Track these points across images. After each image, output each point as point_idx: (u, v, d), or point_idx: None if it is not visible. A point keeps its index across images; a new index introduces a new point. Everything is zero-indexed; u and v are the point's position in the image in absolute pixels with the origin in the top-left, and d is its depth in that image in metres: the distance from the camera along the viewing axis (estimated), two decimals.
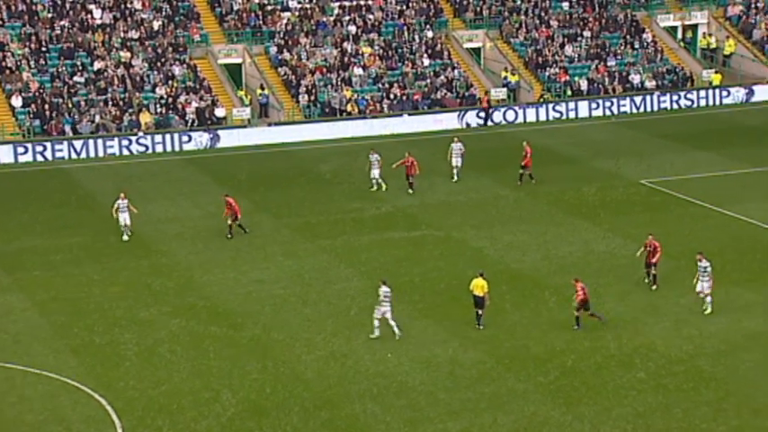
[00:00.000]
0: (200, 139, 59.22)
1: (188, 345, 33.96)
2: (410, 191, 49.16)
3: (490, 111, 63.45)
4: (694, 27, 74.49)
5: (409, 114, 62.45)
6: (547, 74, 67.51)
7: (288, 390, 30.87)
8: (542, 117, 64.34)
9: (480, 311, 34.49)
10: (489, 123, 63.38)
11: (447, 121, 62.77)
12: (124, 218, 43.38)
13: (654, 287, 37.09)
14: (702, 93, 67.29)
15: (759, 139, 58.27)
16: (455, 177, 51.90)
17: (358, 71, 65.45)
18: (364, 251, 42.03)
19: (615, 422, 28.74)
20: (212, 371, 31.96)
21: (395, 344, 33.58)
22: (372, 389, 30.85)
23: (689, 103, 66.64)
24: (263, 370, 32.09)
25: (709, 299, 35.12)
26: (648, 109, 65.82)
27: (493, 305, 35.18)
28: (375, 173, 49.80)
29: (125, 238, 43.36)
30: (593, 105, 65.42)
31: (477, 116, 63.13)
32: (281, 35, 67.04)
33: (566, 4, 72.36)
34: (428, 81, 65.60)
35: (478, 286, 34.45)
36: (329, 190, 49.32)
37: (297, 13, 68.49)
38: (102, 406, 29.89)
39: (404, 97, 64.37)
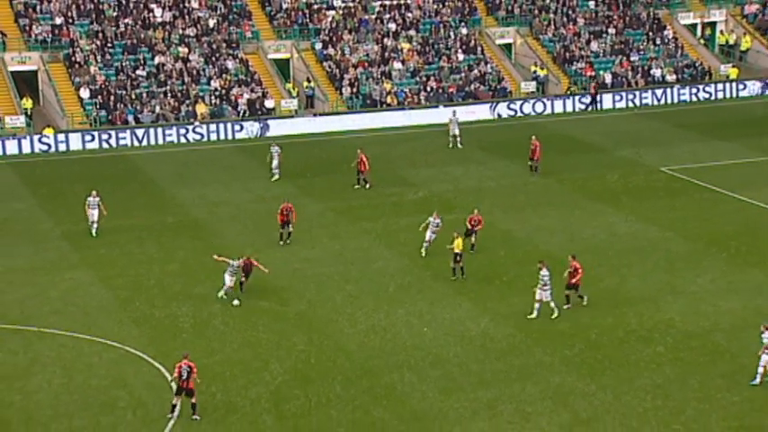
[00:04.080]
0: (251, 129, 59.41)
1: (239, 318, 34.16)
2: (357, 186, 48.14)
3: (597, 97, 63.82)
4: (713, 24, 73.72)
5: (445, 106, 62.27)
6: (574, 68, 67.05)
7: (331, 360, 31.00)
8: (569, 108, 63.95)
9: (460, 264, 36.36)
10: (595, 108, 63.92)
11: (480, 112, 62.53)
12: (92, 214, 41.76)
13: (566, 306, 33.67)
14: (720, 86, 66.62)
15: None
16: (459, 145, 54.23)
17: (397, 65, 65.33)
18: (402, 233, 42.01)
19: (636, 392, 28.62)
20: (261, 342, 32.16)
21: (431, 319, 33.61)
22: (410, 360, 30.89)
23: (707, 95, 65.99)
24: (308, 342, 32.23)
25: (552, 304, 33.08)
26: (669, 101, 65.26)
27: (522, 284, 35.13)
28: (275, 163, 49.66)
29: (93, 233, 41.91)
30: (617, 98, 64.92)
31: (581, 101, 63.96)
32: (326, 32, 67.03)
33: (591, 3, 71.78)
34: (462, 75, 65.38)
35: (457, 244, 36.23)
36: (370, 176, 49.29)
37: (341, 12, 68.44)
38: (161, 373, 30.17)
39: (440, 90, 64.19)
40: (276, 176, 49.92)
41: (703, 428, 26.67)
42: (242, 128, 59.39)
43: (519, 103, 63.52)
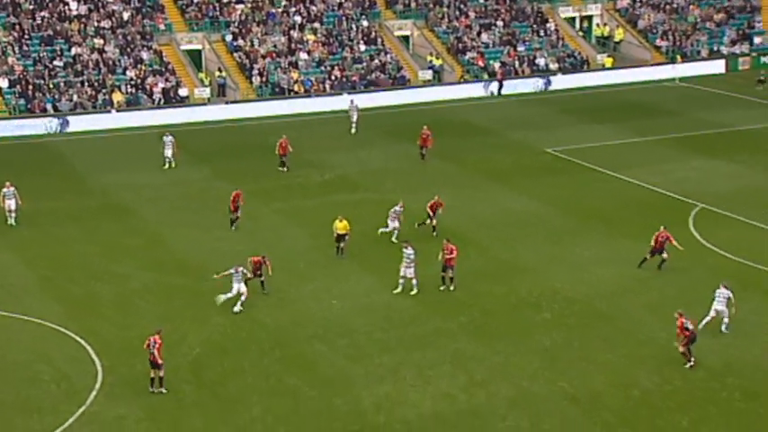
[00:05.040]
0: (166, 116, 58.31)
1: (158, 295, 33.68)
2: (282, 169, 47.68)
3: (503, 82, 64.44)
4: (590, 18, 74.91)
5: (348, 93, 62.10)
6: (466, 58, 67.50)
7: (246, 332, 30.79)
8: (463, 95, 64.35)
9: (342, 245, 36.09)
10: (501, 93, 64.42)
11: (381, 99, 62.55)
12: (9, 204, 40.03)
13: (452, 288, 33.36)
14: (597, 74, 67.75)
15: (644, 113, 58.89)
16: (355, 131, 53.81)
17: (303, 56, 64.90)
18: (311, 213, 41.86)
19: (525, 355, 29.08)
20: (179, 317, 31.75)
21: (338, 292, 33.60)
22: (319, 331, 30.86)
23: (586, 83, 67.06)
24: (224, 316, 31.93)
25: (415, 281, 32.94)
26: (552, 88, 66.16)
27: (421, 258, 35.31)
28: (168, 152, 48.30)
29: (12, 222, 40.11)
30: (506, 84, 65.54)
31: (486, 88, 64.48)
32: (236, 24, 66.22)
33: None
34: (364, 64, 65.28)
35: (340, 227, 35.92)
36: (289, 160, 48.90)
37: (249, 5, 67.67)
38: (83, 347, 29.60)
39: (343, 78, 63.99)
40: (168, 165, 48.30)
41: (586, 385, 27.25)
42: (157, 115, 58.17)
43: (417, 90, 63.71)
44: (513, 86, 65.40)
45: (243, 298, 31.96)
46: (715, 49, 71.11)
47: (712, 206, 41.58)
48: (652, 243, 34.63)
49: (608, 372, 27.96)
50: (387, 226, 37.97)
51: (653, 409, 25.97)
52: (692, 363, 27.92)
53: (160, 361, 26.80)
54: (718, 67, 69.72)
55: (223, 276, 32.16)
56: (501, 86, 64.87)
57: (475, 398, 26.75)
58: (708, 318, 29.75)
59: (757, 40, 71.98)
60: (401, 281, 33.26)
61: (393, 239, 37.61)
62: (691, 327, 27.76)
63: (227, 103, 60.94)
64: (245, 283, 32.15)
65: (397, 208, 38.03)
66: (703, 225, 39.20)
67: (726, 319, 29.83)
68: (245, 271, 32.20)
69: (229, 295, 32.00)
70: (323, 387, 27.44)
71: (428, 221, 38.53)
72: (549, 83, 65.54)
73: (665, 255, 34.51)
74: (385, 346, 29.77)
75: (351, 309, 32.43)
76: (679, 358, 28.37)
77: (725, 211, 40.87)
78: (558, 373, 27.94)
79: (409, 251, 33.13)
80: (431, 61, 66.56)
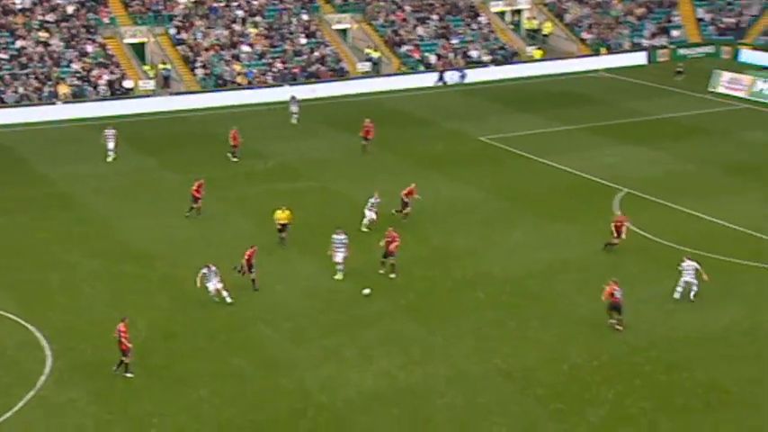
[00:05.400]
0: (111, 108, 57.41)
1: (106, 282, 33.29)
2: (234, 159, 47.30)
3: (443, 73, 64.73)
4: (519, 11, 75.43)
5: (290, 85, 61.80)
6: (403, 50, 67.57)
7: (193, 317, 30.59)
8: (400, 86, 64.44)
9: (284, 234, 35.72)
10: (442, 83, 64.63)
11: (321, 90, 62.38)
12: None
13: (393, 275, 33.14)
14: (527, 65, 68.31)
15: (572, 103, 59.58)
16: (294, 122, 53.60)
17: (246, 48, 64.42)
18: (255, 200, 41.66)
19: (461, 334, 29.34)
20: (128, 303, 31.38)
21: (282, 277, 33.52)
22: (265, 314, 30.79)
23: (517, 74, 67.57)
24: (172, 301, 31.70)
25: (340, 267, 32.73)
26: (485, 79, 66.57)
27: (363, 243, 35.39)
28: (110, 145, 47.46)
29: None
30: (438, 77, 65.78)
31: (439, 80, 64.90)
32: (180, 18, 65.46)
33: None
34: (305, 57, 65.00)
35: (282, 216, 35.56)
36: (224, 149, 48.58)
37: (192, 0, 66.99)
38: (32, 333, 29.17)
39: (285, 70, 63.66)
40: (111, 157, 47.45)
41: (519, 362, 27.60)
42: (102, 107, 57.30)
43: (356, 81, 63.67)
44: (447, 78, 65.64)
45: (225, 294, 30.96)
46: (636, 41, 72.15)
47: (636, 190, 42.27)
48: (612, 228, 34.87)
49: (540, 349, 28.35)
50: (366, 218, 37.31)
51: (582, 382, 26.41)
52: (619, 325, 28.76)
53: (128, 346, 26.56)
54: (639, 58, 70.79)
55: (203, 282, 31.05)
56: (442, 77, 65.16)
57: (413, 376, 26.94)
58: (679, 289, 30.79)
59: (675, 33, 73.19)
60: (339, 267, 33.11)
61: (363, 228, 37.18)
62: (618, 295, 28.56)
63: (171, 94, 60.24)
64: (253, 282, 31.44)
65: (372, 200, 37.53)
66: (628, 208, 39.85)
67: (695, 288, 30.80)
68: (215, 269, 31.18)
69: (213, 297, 31.02)
70: (268, 368, 27.41)
71: (405, 209, 38.34)
72: (464, 76, 65.63)
73: (616, 239, 34.81)
74: (327, 329, 29.81)
75: (294, 293, 32.38)
76: (606, 334, 28.89)
77: (648, 195, 41.58)
78: (492, 351, 28.24)
79: (341, 237, 33.03)
80: (369, 53, 66.49)
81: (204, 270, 31.05)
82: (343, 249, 32.95)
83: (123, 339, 26.50)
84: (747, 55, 69.06)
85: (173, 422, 24.80)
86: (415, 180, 44.52)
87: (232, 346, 28.68)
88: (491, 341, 28.83)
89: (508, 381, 26.63)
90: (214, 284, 30.98)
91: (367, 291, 31.77)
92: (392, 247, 33.23)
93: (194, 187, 39.51)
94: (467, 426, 24.56)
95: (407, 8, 71.08)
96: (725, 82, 61.21)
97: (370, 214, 37.40)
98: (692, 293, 30.82)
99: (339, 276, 33.13)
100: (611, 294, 28.82)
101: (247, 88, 61.61)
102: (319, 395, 26.06)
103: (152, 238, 37.26)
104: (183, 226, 38.68)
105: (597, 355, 27.86)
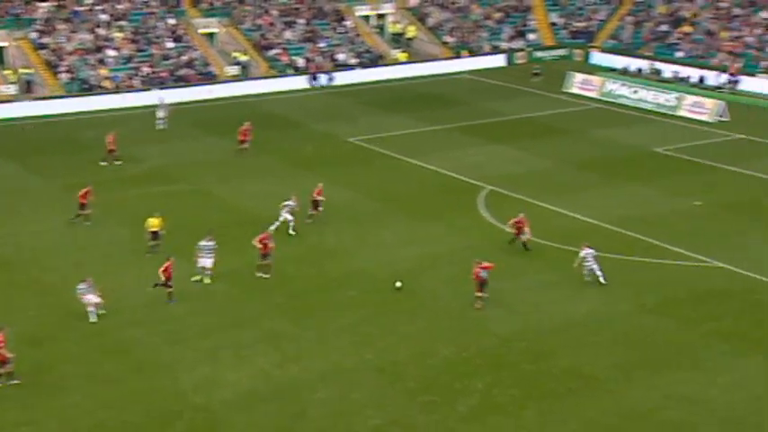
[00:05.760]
0: None
1: None
2: (107, 163, 46.48)
3: (316, 75, 64.84)
4: (384, 15, 76.22)
5: (159, 89, 60.70)
6: (271, 54, 67.32)
7: (64, 322, 29.77)
8: (269, 89, 64.17)
9: (157, 242, 34.81)
10: (315, 84, 64.80)
11: (191, 94, 61.53)
12: None
13: (268, 275, 33.06)
14: (393, 68, 69.05)
15: (437, 104, 60.58)
16: (163, 126, 52.70)
17: (112, 53, 62.92)
18: (128, 204, 40.78)
19: (335, 331, 29.53)
20: None
21: (156, 280, 32.92)
22: (139, 317, 30.24)
23: (382, 76, 68.22)
24: (41, 307, 30.76)
25: (209, 272, 32.67)
26: (353, 81, 66.97)
27: (236, 244, 35.12)
28: None
29: None
30: (310, 78, 65.86)
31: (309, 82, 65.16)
32: (41, 22, 63.40)
33: None
34: (173, 61, 63.98)
35: (155, 223, 34.78)
36: (92, 154, 47.36)
37: (54, 3, 64.91)
38: None
39: (153, 74, 62.49)
40: None
41: (390, 357, 27.98)
42: None
43: (225, 84, 63.11)
44: (320, 81, 65.81)
45: (93, 310, 29.93)
46: (495, 44, 73.96)
47: (499, 188, 43.37)
48: (513, 230, 35.48)
49: (410, 343, 28.80)
50: (279, 220, 36.97)
51: (451, 374, 26.97)
52: (481, 300, 30.44)
53: (8, 356, 25.68)
54: (498, 60, 72.60)
55: (85, 303, 29.78)
56: (315, 78, 65.28)
57: (289, 373, 26.98)
58: (588, 278, 32.24)
59: (531, 36, 75.44)
60: (208, 272, 32.73)
61: (290, 231, 36.90)
62: (484, 275, 30.58)
63: (34, 99, 58.24)
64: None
65: (290, 203, 37.29)
66: (492, 206, 40.85)
67: (599, 272, 32.20)
68: (91, 284, 30.12)
69: (92, 312, 29.87)
70: (143, 371, 26.95)
71: (315, 210, 38.33)
72: (331, 78, 66.06)
73: (524, 236, 35.36)
74: (202, 330, 29.51)
75: (168, 295, 31.86)
76: (474, 326, 29.61)
77: (511, 193, 42.72)
78: (365, 346, 28.54)
79: (210, 243, 32.75)
80: (237, 57, 65.97)
81: (81, 286, 30.12)
82: (212, 255, 32.70)
83: (1, 350, 25.61)
84: (598, 57, 71.77)
85: (42, 429, 24.10)
86: (288, 181, 44.52)
87: (104, 351, 28.06)
88: (364, 337, 29.12)
89: (381, 375, 26.96)
90: (90, 299, 30.07)
91: (399, 284, 32.23)
92: (267, 247, 33.14)
93: (81, 193, 38.44)
94: (341, 420, 24.76)
95: (274, 12, 70.86)
96: (578, 83, 63.44)
97: (287, 216, 37.12)
98: (602, 277, 32.32)
99: (208, 281, 32.79)
100: (478, 275, 30.63)
101: (115, 93, 60.19)
102: (195, 396, 25.79)
103: (19, 245, 36.04)
104: (51, 230, 37.57)
105: (466, 347, 28.51)
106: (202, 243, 32.86)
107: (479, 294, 30.67)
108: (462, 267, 33.71)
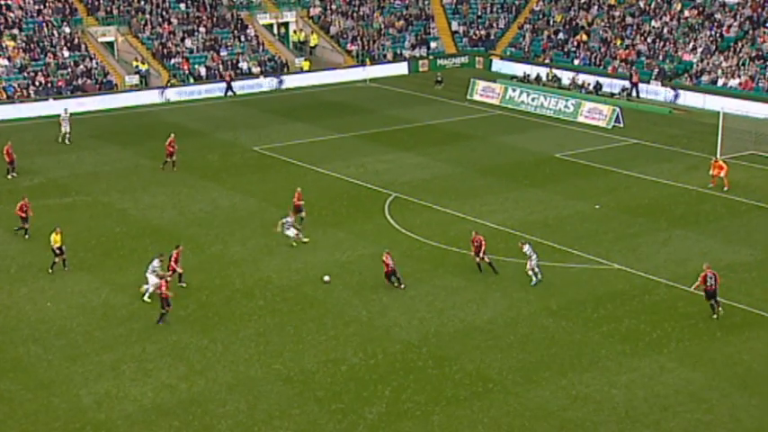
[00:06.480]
0: None
1: None
2: (11, 175, 45.23)
3: (231, 84, 64.50)
4: (286, 24, 75.91)
5: (54, 99, 59.05)
6: (172, 62, 66.23)
7: None
8: (171, 98, 63.14)
9: (63, 256, 33.63)
10: (230, 94, 64.41)
11: (90, 104, 60.05)
12: None
13: (181, 284, 32.53)
14: (297, 76, 68.77)
15: (341, 112, 60.52)
16: (67, 142, 51.21)
17: (3, 62, 60.94)
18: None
19: (242, 342, 29.08)
20: None
21: (53, 294, 31.94)
22: (35, 333, 29.21)
23: (286, 85, 67.90)
24: None
25: (152, 289, 31.48)
26: (256, 90, 66.43)
27: (137, 257, 34.28)
28: None
29: None
30: (213, 88, 65.09)
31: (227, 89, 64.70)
32: None
33: (182, 5, 71.20)
34: (69, 70, 62.33)
35: (58, 239, 33.51)
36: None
37: None
38: None
39: (48, 84, 60.76)
40: None
41: (299, 365, 27.67)
42: None
43: (125, 94, 61.80)
44: (221, 90, 65.11)
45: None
46: (398, 52, 74.35)
47: (405, 194, 43.48)
48: (472, 248, 34.00)
49: (318, 351, 28.54)
50: (291, 235, 36.54)
51: (359, 382, 26.81)
52: (399, 284, 32.14)
53: None
54: (401, 68, 73.01)
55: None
56: (229, 87, 64.39)
57: (195, 386, 26.41)
58: (532, 275, 32.76)
59: (433, 44, 76.11)
60: (152, 289, 31.51)
61: (304, 240, 36.73)
62: (392, 264, 32.24)
63: None
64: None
65: (288, 219, 36.71)
66: (397, 212, 40.91)
67: (537, 268, 32.98)
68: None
69: None
70: (40, 389, 26.00)
71: (297, 214, 37.89)
72: (230, 88, 65.48)
73: (482, 257, 33.79)
74: (103, 344, 28.68)
75: (67, 309, 30.94)
76: (381, 334, 29.54)
77: (416, 199, 42.88)
78: (272, 356, 28.17)
79: (155, 263, 31.75)
80: (137, 66, 64.70)
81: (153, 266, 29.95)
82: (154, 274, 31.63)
83: None
84: (498, 65, 72.82)
85: None
86: (192, 191, 43.82)
87: None
88: (271, 346, 28.75)
89: (288, 384, 26.63)
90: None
91: (327, 278, 32.97)
92: (176, 267, 32.29)
93: (17, 208, 36.98)
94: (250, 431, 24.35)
95: (174, 21, 69.74)
96: (480, 90, 64.21)
97: (289, 232, 36.58)
98: (539, 273, 33.03)
99: (148, 299, 31.64)
100: (387, 264, 32.24)
101: (7, 103, 58.31)
102: (96, 413, 25.00)
103: None
104: None
105: (373, 354, 28.40)
106: (154, 263, 31.74)
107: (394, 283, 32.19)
108: (369, 275, 33.63)
